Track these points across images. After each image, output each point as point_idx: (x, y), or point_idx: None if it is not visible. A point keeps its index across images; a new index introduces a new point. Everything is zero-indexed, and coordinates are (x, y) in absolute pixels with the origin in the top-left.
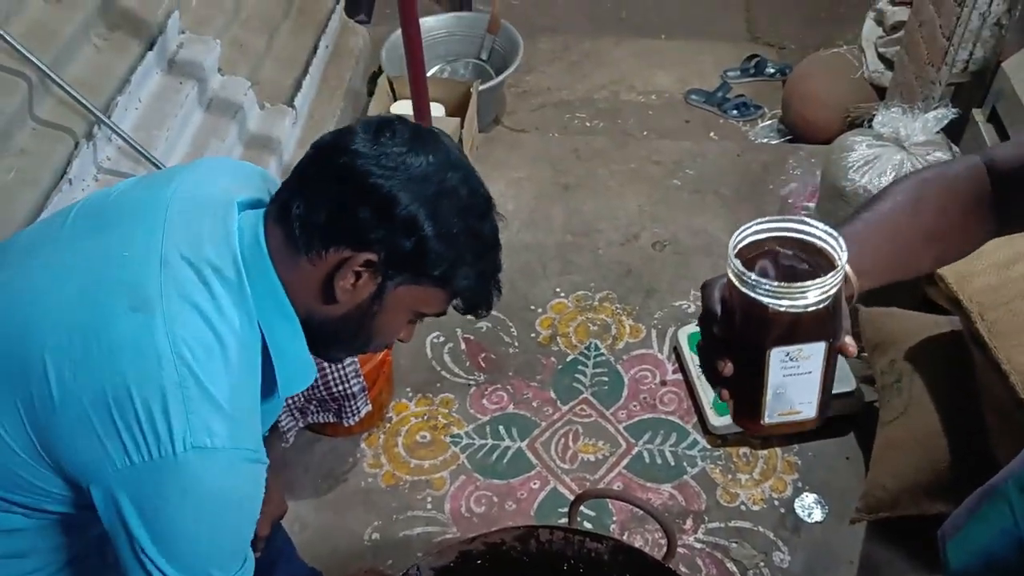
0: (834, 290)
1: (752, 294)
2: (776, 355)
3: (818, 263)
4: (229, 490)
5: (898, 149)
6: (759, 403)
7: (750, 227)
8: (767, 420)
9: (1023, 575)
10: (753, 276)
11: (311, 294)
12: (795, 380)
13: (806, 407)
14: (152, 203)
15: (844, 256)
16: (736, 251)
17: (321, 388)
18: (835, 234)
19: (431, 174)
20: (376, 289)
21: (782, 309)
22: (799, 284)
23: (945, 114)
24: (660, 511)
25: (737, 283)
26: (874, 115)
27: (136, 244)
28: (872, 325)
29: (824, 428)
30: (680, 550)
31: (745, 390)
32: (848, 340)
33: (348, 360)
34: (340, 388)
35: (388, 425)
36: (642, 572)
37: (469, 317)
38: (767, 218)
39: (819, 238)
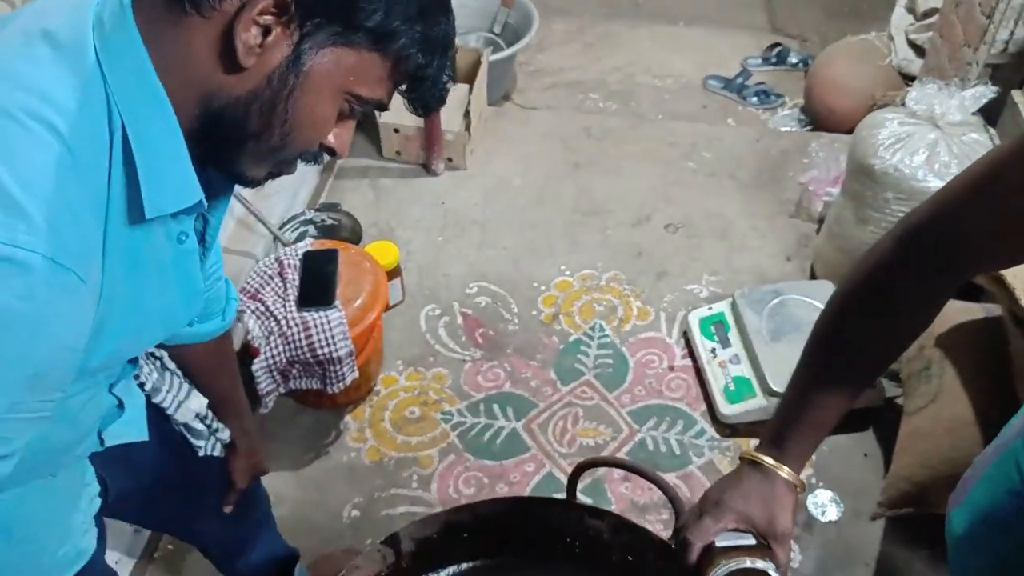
0: None
1: None
2: None
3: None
4: None
5: (932, 128)
6: None
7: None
8: None
9: None
10: None
11: (208, 65)
12: None
13: None
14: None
15: None
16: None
17: (305, 350)
18: None
19: None
20: (292, 50)
21: None
22: None
23: (984, 92)
24: (671, 486)
25: None
26: (904, 102)
27: None
28: None
29: (841, 423)
30: None
31: None
32: None
33: (336, 321)
34: (325, 351)
35: (375, 398)
36: (646, 553)
37: (468, 289)
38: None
39: None
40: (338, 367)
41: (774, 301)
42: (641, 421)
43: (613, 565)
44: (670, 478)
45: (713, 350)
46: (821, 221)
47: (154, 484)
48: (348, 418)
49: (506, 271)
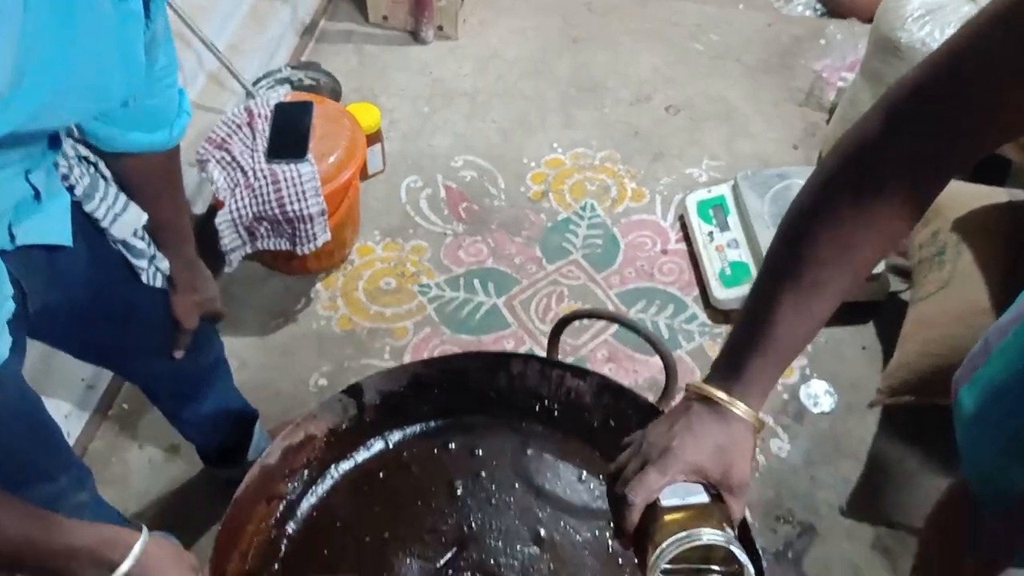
0: None
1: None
2: None
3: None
4: None
5: (966, 0)
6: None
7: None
8: None
9: None
10: None
11: None
12: None
13: None
14: None
15: None
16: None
17: (274, 205)
18: (751, 571)
19: None
20: None
21: None
22: None
23: None
24: (659, 337)
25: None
26: None
27: None
28: None
29: (840, 314)
30: None
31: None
32: None
33: (307, 175)
34: (295, 207)
35: (350, 268)
36: (630, 417)
37: (453, 162)
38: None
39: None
40: (309, 226)
41: (779, 185)
42: (629, 303)
43: (594, 430)
44: (657, 361)
45: (711, 234)
46: (832, 111)
47: (89, 306)
48: (319, 286)
49: (494, 145)
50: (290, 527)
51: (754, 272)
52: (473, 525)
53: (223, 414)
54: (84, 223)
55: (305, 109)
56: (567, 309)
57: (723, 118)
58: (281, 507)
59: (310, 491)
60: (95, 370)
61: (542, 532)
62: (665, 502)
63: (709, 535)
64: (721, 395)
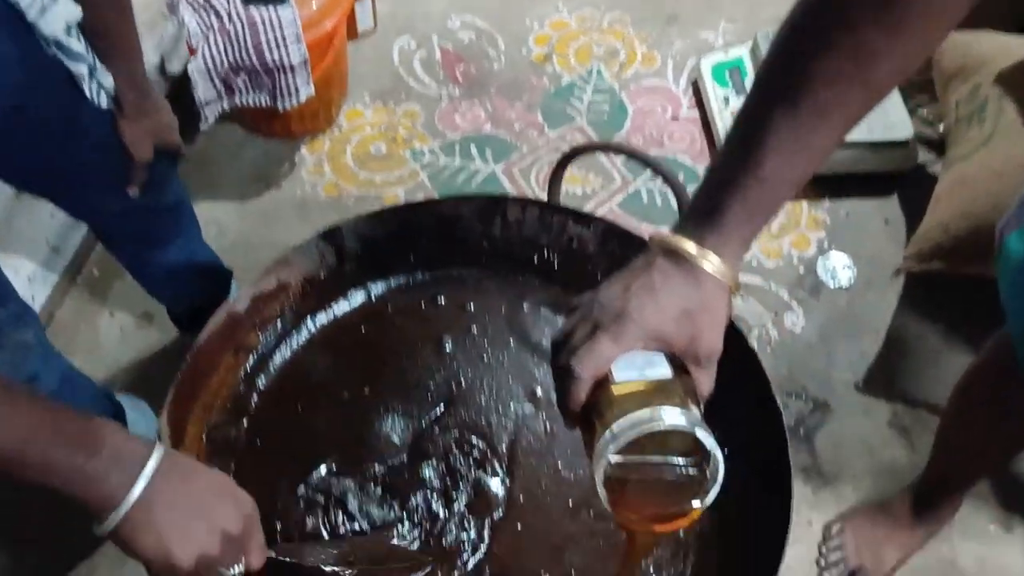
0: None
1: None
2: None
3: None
4: None
5: None
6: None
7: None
8: None
9: None
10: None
11: None
12: None
13: None
14: None
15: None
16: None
17: (251, 53)
18: (719, 460)
19: None
20: None
21: None
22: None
23: None
24: (671, 170)
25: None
26: None
27: None
28: (953, 51)
29: (862, 185)
30: None
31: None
32: None
33: (288, 20)
34: (275, 55)
35: (337, 132)
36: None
37: (450, 23)
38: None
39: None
40: (290, 78)
41: None
42: (636, 172)
43: (597, 283)
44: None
45: (726, 98)
46: None
47: (20, 117)
48: (304, 151)
49: (494, 6)
50: (260, 381)
51: None
52: (463, 382)
53: (191, 267)
54: (9, 16)
55: None
56: (570, 178)
57: None
58: (251, 360)
59: (283, 343)
60: (61, 232)
61: (537, 391)
62: (619, 375)
63: (671, 418)
64: (690, 248)
